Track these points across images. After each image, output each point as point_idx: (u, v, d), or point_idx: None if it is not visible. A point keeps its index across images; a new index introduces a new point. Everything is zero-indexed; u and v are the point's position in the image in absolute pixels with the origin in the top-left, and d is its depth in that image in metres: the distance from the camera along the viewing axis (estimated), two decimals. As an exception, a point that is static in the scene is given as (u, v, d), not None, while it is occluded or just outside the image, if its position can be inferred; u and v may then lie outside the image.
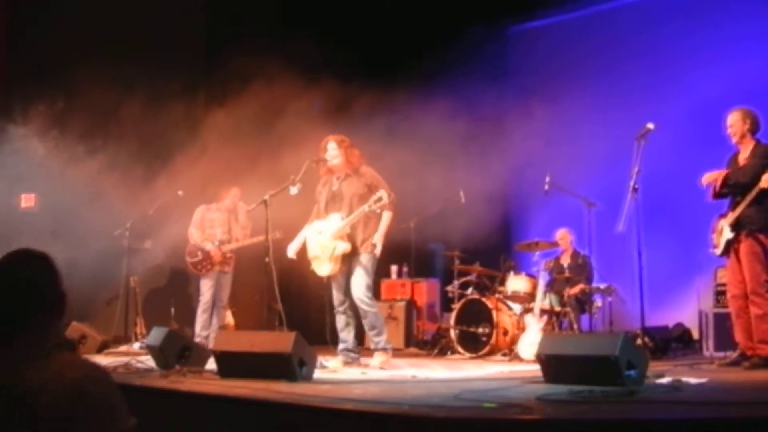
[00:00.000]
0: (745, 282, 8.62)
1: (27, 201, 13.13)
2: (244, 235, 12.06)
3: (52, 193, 12.69)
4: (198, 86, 12.67)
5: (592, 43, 14.75)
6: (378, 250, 9.23)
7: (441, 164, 12.04)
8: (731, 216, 8.61)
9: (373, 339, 9.26)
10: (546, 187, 11.77)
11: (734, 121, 8.80)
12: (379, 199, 8.89)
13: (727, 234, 8.63)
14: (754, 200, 8.44)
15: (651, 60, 13.95)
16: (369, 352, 9.52)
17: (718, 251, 8.84)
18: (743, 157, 8.73)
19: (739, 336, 8.76)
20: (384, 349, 9.19)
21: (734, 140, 8.83)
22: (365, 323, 9.22)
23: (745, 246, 8.53)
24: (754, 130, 8.76)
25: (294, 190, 9.24)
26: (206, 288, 11.95)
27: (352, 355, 9.29)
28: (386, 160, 9.88)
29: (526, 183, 13.67)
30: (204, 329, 11.73)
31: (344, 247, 9.10)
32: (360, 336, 9.50)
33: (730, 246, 8.68)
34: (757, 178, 8.40)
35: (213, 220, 12.11)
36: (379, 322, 9.30)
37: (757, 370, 8.23)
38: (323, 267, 9.24)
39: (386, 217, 9.22)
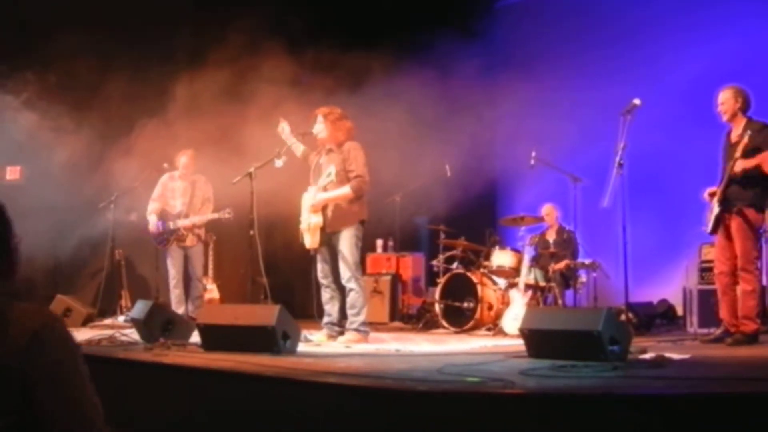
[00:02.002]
0: (734, 259, 8.63)
1: (12, 173, 13.08)
2: (204, 209, 11.92)
3: (37, 166, 12.65)
4: (182, 55, 12.61)
5: (580, 18, 14.73)
6: (316, 202, 9.14)
7: (427, 138, 12.03)
8: (718, 191, 8.57)
9: (350, 318, 9.15)
10: (532, 162, 11.76)
11: (725, 99, 8.74)
12: (329, 174, 8.89)
13: (715, 210, 8.58)
14: (742, 177, 8.40)
15: (639, 36, 13.94)
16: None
17: (708, 228, 8.80)
18: (736, 134, 8.69)
19: (723, 313, 8.76)
20: (358, 330, 9.09)
21: (725, 118, 8.77)
22: (347, 302, 9.17)
23: (735, 223, 8.49)
24: (745, 108, 8.69)
25: (279, 162, 9.21)
26: (171, 263, 11.89)
27: (336, 328, 9.26)
28: (371, 133, 9.84)
29: (512, 158, 13.69)
30: (179, 305, 11.62)
31: (316, 220, 9.08)
32: (344, 311, 9.45)
33: (719, 222, 8.63)
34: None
35: (174, 189, 12.02)
36: (360, 301, 9.18)
37: (740, 346, 8.25)
38: (307, 239, 9.21)
39: (343, 189, 9.07)
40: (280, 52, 11.69)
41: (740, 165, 8.36)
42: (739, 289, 8.57)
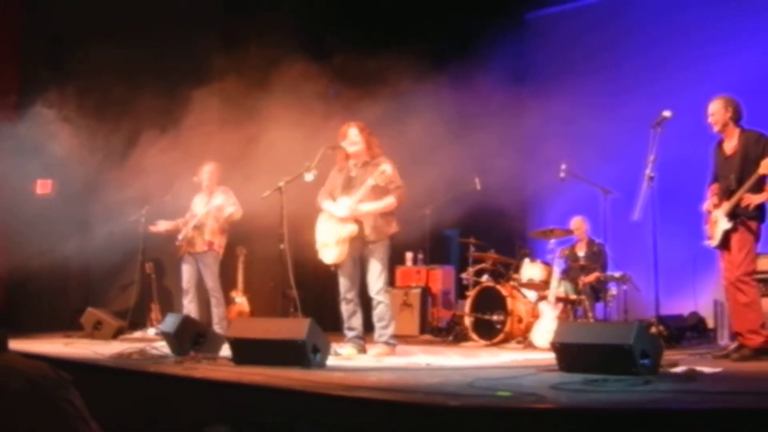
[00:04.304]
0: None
1: (43, 187, 13.14)
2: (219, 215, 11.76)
3: (69, 179, 12.71)
4: (212, 67, 12.65)
5: (610, 30, 14.71)
6: (355, 212, 9.08)
7: (457, 151, 12.00)
8: (727, 205, 8.45)
9: (378, 330, 9.17)
10: (562, 174, 11.71)
11: (716, 110, 8.64)
12: (383, 172, 8.87)
13: (724, 224, 8.45)
14: (751, 187, 8.29)
15: (669, 47, 13.93)
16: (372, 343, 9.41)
17: (714, 243, 8.65)
18: (730, 145, 8.58)
19: (737, 325, 8.63)
20: (387, 343, 9.12)
21: (715, 129, 8.66)
22: (374, 314, 9.17)
23: (737, 233, 8.39)
24: (736, 118, 8.59)
25: (309, 176, 9.17)
26: (183, 273, 11.79)
27: (362, 342, 9.27)
28: (400, 146, 9.84)
29: (542, 170, 13.64)
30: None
31: (351, 229, 9.03)
32: (367, 323, 9.43)
33: (728, 236, 8.50)
34: (755, 166, 8.27)
35: (196, 203, 11.97)
36: (388, 314, 9.23)
37: (747, 362, 8.06)
38: (332, 252, 9.15)
39: (387, 199, 9.11)
40: (308, 64, 11.72)
41: (750, 200, 8.26)
42: (738, 301, 8.43)
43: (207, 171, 11.85)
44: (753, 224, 8.37)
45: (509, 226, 14.10)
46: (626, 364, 6.23)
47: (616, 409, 4.79)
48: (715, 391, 5.66)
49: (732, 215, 8.41)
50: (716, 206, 8.63)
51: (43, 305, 12.87)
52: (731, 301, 8.66)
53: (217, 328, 10.95)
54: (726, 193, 8.54)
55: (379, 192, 9.04)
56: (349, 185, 9.27)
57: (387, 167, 8.89)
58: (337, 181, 9.39)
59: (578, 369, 6.48)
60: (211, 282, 11.70)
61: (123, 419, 4.86)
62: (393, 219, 9.30)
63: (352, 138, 9.27)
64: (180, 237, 11.70)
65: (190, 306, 11.59)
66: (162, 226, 11.99)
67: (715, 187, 8.79)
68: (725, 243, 8.54)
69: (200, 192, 11.94)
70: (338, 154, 9.42)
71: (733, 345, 8.77)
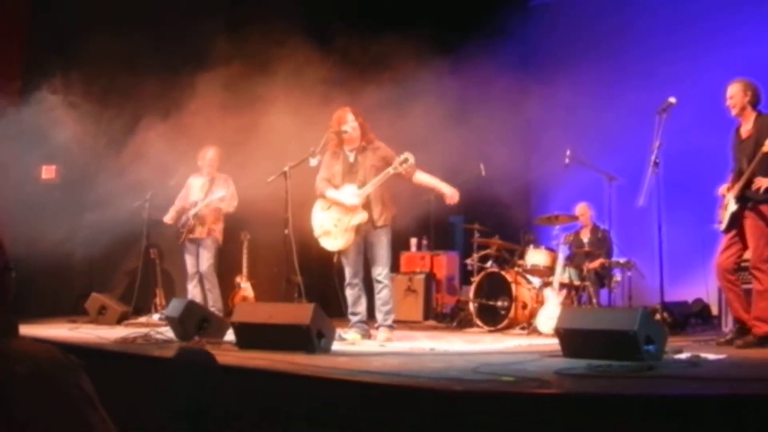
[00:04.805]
0: (736, 256, 8.53)
1: (48, 172, 13.16)
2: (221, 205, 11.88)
3: (73, 165, 12.71)
4: (218, 54, 12.63)
5: (615, 16, 14.68)
6: (455, 196, 9.38)
7: (461, 137, 11.99)
8: (736, 187, 8.40)
9: (383, 315, 9.18)
10: (567, 160, 11.68)
11: (735, 93, 8.57)
12: (405, 160, 8.89)
13: (732, 207, 8.41)
14: (758, 168, 8.22)
15: (674, 34, 13.90)
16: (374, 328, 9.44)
17: (723, 226, 8.62)
18: (746, 129, 8.53)
19: (735, 310, 8.61)
20: (390, 327, 9.18)
21: (734, 112, 8.59)
22: (379, 298, 9.18)
23: (749, 220, 8.31)
24: (754, 102, 8.52)
25: (314, 161, 9.17)
26: (186, 261, 11.95)
27: (366, 327, 9.30)
28: (406, 132, 9.83)
29: (547, 156, 13.62)
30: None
31: (361, 216, 9.05)
32: (370, 308, 9.45)
33: (735, 220, 8.44)
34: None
35: (194, 186, 12.04)
36: (392, 298, 9.33)
37: (751, 348, 7.97)
38: (337, 241, 9.16)
39: (424, 175, 9.35)
40: (312, 50, 11.71)
41: (761, 183, 8.21)
42: (753, 287, 8.39)
43: (208, 156, 11.89)
44: (765, 208, 8.24)
45: (514, 212, 14.10)
46: (630, 350, 6.24)
47: (620, 395, 4.80)
48: (720, 378, 5.66)
49: (740, 198, 8.35)
50: (729, 189, 8.57)
51: (48, 290, 12.87)
52: (730, 285, 8.59)
53: (213, 310, 10.99)
54: (738, 177, 8.47)
55: (381, 170, 9.08)
56: (350, 171, 9.26)
57: (409, 156, 8.91)
58: (335, 168, 9.35)
59: (582, 355, 6.48)
60: (205, 266, 11.82)
61: (126, 403, 4.86)
62: (393, 202, 9.34)
63: (351, 123, 9.25)
64: (180, 224, 11.77)
65: (194, 291, 11.71)
66: (170, 215, 12.01)
67: (734, 172, 8.73)
68: (731, 226, 8.50)
69: (198, 174, 11.97)
70: (331, 140, 9.38)
71: (731, 332, 8.77)
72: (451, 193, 9.42)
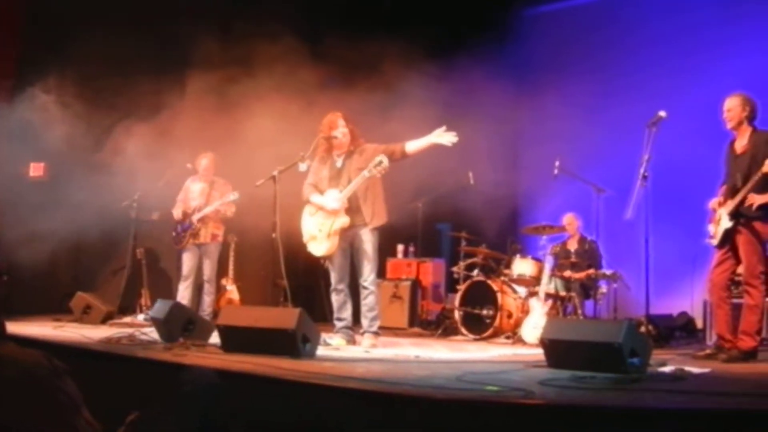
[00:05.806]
0: (729, 272, 8.55)
1: (36, 170, 13.14)
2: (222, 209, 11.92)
3: (62, 163, 12.68)
4: (210, 56, 12.61)
5: (607, 29, 14.71)
6: (453, 137, 9.24)
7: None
8: (731, 204, 8.39)
9: (369, 321, 9.17)
10: (555, 171, 11.71)
11: (733, 106, 8.57)
12: (380, 162, 8.83)
13: (726, 223, 8.40)
14: (755, 187, 8.23)
15: (665, 48, 13.93)
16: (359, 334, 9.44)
17: (715, 242, 8.61)
18: (740, 144, 8.54)
19: (718, 327, 8.61)
20: (376, 333, 9.18)
21: (730, 125, 8.59)
22: (365, 304, 9.17)
23: (742, 235, 8.33)
24: (751, 117, 8.52)
25: (303, 166, 9.15)
26: (185, 259, 11.96)
27: (351, 332, 9.29)
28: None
29: (535, 167, 13.65)
30: (181, 301, 11.48)
31: (342, 221, 9.05)
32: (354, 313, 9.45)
33: (729, 236, 8.45)
34: (760, 165, 8.23)
35: (194, 191, 12.09)
36: (378, 305, 9.32)
37: (735, 363, 7.97)
38: (321, 246, 9.17)
39: (413, 143, 9.33)
40: (303, 52, 11.73)
41: (753, 200, 8.23)
42: (744, 302, 8.40)
43: (203, 164, 11.97)
44: (758, 225, 8.27)
45: (501, 222, 14.10)
46: (615, 362, 6.23)
47: (604, 406, 4.80)
48: (703, 391, 5.67)
49: (735, 214, 8.36)
50: (721, 204, 8.58)
51: (33, 288, 12.84)
52: (720, 302, 8.62)
53: (204, 315, 10.99)
54: (732, 192, 8.48)
55: (371, 182, 9.06)
56: (336, 176, 9.26)
57: (383, 158, 8.85)
58: (322, 173, 9.36)
59: (567, 366, 6.48)
60: (210, 272, 11.92)
61: (111, 404, 4.85)
62: (384, 207, 9.32)
63: (342, 128, 9.26)
64: (182, 228, 11.78)
65: (185, 292, 11.72)
66: (178, 212, 12.00)
67: (726, 186, 8.74)
68: (724, 242, 8.51)
69: (195, 178, 12.00)
70: (320, 146, 9.36)
71: (712, 346, 8.83)
72: (447, 139, 9.24)
